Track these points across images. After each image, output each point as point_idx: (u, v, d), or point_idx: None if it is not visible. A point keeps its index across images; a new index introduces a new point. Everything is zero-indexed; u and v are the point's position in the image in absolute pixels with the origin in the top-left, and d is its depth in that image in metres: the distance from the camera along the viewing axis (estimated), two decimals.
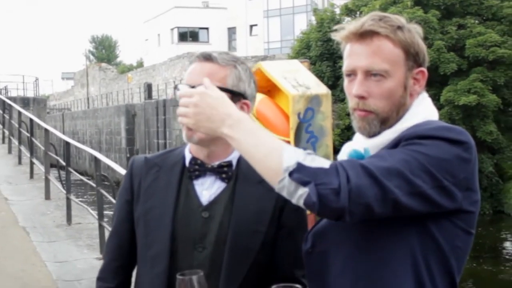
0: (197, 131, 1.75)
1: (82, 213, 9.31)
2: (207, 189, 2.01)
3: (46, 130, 11.31)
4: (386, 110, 1.78)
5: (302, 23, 43.50)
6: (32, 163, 12.26)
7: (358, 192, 1.53)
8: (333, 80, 26.53)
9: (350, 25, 1.81)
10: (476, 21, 26.74)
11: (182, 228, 1.98)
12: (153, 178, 2.06)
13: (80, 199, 11.68)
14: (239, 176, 2.01)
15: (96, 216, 7.72)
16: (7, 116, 17.05)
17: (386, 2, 26.38)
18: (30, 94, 32.48)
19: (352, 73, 1.81)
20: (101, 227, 7.35)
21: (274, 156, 1.57)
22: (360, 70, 1.78)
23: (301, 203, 1.55)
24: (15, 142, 15.08)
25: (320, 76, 25.53)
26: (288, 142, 4.53)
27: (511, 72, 25.16)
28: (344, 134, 23.45)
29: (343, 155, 1.93)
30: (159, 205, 2.01)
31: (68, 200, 8.97)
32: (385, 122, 1.79)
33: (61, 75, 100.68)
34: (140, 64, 67.36)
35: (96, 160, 7.83)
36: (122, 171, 5.54)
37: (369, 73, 1.77)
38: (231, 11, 55.28)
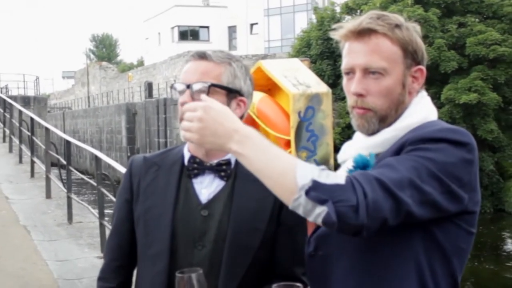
0: (202, 146, 1.68)
1: (83, 212, 9.31)
2: (206, 187, 2.01)
3: (47, 129, 11.31)
4: (385, 108, 1.79)
5: (302, 22, 43.46)
6: (33, 162, 12.26)
7: (375, 207, 1.51)
8: (334, 79, 26.51)
9: (348, 23, 1.82)
10: (477, 20, 26.71)
11: (182, 227, 1.98)
12: (152, 177, 2.06)
13: (81, 198, 11.66)
14: (238, 174, 2.01)
15: (97, 215, 7.72)
16: (7, 115, 17.06)
17: (387, 0, 26.35)
18: (30, 93, 32.50)
19: (350, 71, 1.81)
20: (102, 226, 7.35)
21: (288, 174, 1.53)
22: (359, 68, 1.78)
23: (319, 221, 1.52)
24: (15, 141, 15.08)
25: (320, 74, 25.51)
26: (289, 140, 4.53)
27: None
28: (345, 132, 23.43)
29: (343, 155, 1.94)
30: (158, 204, 2.02)
31: (69, 199, 8.97)
32: (384, 120, 1.80)
33: (62, 74, 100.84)
34: (140, 63, 67.35)
35: (97, 159, 7.83)
36: (123, 170, 5.54)
37: (367, 71, 1.78)
38: (231, 10, 55.26)
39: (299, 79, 4.65)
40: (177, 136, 29.33)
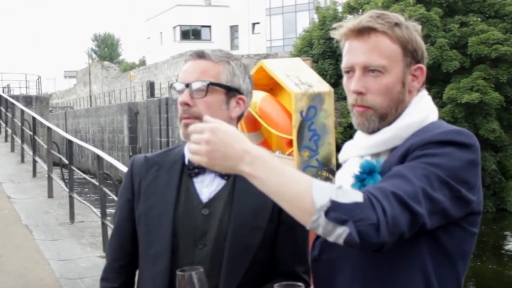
0: (212, 168, 1.62)
1: (85, 211, 9.31)
2: (207, 186, 2.02)
3: (49, 129, 11.32)
4: (384, 106, 1.79)
5: (304, 21, 43.45)
6: (35, 162, 12.26)
7: (394, 223, 1.51)
8: (336, 78, 26.49)
9: (348, 23, 1.82)
10: (479, 19, 26.69)
11: (183, 226, 1.99)
12: (153, 177, 2.07)
13: (83, 197, 11.66)
14: None
15: (99, 214, 7.72)
16: (9, 115, 17.08)
17: (389, 0, 26.35)
18: (32, 92, 32.51)
19: (350, 70, 1.82)
20: (104, 225, 7.36)
21: (305, 195, 1.50)
22: (358, 66, 1.79)
23: (340, 242, 1.50)
24: (17, 140, 15.09)
25: (322, 74, 25.51)
26: (291, 140, 4.53)
27: None
28: (347, 132, 23.43)
29: (344, 154, 1.94)
30: (159, 204, 2.02)
31: (71, 198, 8.97)
32: (384, 118, 1.80)
33: (64, 73, 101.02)
34: (142, 63, 67.35)
35: (99, 158, 7.83)
36: (125, 169, 5.54)
37: (367, 69, 1.78)
38: (233, 9, 55.27)
39: (301, 78, 4.65)
40: (179, 136, 29.23)
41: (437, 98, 24.59)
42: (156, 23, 59.39)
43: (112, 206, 8.08)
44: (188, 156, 1.60)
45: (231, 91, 2.00)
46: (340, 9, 30.94)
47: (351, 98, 1.82)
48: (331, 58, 28.31)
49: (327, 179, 4.45)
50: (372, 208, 1.49)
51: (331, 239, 1.51)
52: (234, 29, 56.06)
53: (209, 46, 45.43)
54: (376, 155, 1.82)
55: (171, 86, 2.02)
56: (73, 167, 9.60)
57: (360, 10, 28.19)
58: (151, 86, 37.05)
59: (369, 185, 1.68)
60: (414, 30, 1.82)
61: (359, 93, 1.79)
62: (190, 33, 55.70)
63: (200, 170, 2.02)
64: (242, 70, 2.04)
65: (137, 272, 2.17)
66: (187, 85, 1.96)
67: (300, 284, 1.52)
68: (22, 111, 14.39)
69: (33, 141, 12.46)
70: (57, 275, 6.40)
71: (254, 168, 1.54)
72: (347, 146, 1.94)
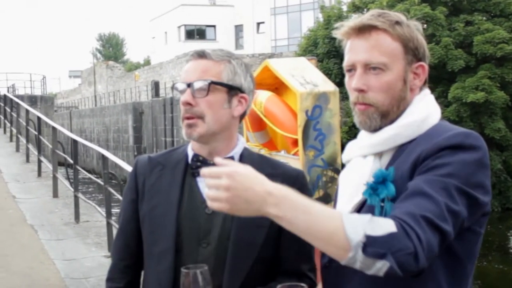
0: (234, 214, 1.56)
1: (90, 211, 9.33)
2: None
3: (54, 128, 11.34)
4: (386, 104, 1.79)
5: (309, 21, 43.43)
6: (40, 161, 12.29)
7: (429, 248, 1.51)
8: (341, 78, 26.43)
9: (349, 21, 1.84)
10: (484, 18, 26.61)
11: (187, 225, 2.00)
12: (157, 177, 2.08)
13: (88, 197, 11.67)
14: None
15: (104, 214, 7.73)
16: (14, 115, 17.12)
17: None
18: (37, 92, 32.59)
19: (352, 68, 1.83)
20: (109, 225, 7.36)
21: (337, 232, 1.47)
22: (359, 64, 1.80)
23: (380, 274, 1.49)
24: (23, 140, 15.13)
25: (327, 73, 25.50)
26: (296, 139, 4.52)
27: None
28: (352, 131, 23.39)
29: (347, 154, 1.95)
30: (163, 203, 2.03)
31: (76, 198, 8.99)
32: (386, 116, 1.80)
33: (68, 73, 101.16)
34: (147, 62, 67.43)
35: (104, 158, 7.84)
36: (130, 169, 5.53)
37: (368, 67, 1.79)
38: (238, 9, 55.26)
39: (306, 78, 4.65)
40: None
41: (442, 98, 24.54)
42: (160, 23, 59.43)
43: (117, 205, 8.09)
44: (208, 204, 1.53)
45: (232, 90, 2.01)
46: (345, 8, 30.90)
47: (352, 96, 1.83)
48: (336, 57, 28.26)
49: (332, 178, 4.45)
50: (407, 236, 1.48)
51: (370, 272, 1.49)
52: (239, 28, 56.06)
53: (214, 45, 45.39)
54: (379, 154, 1.82)
55: (173, 86, 2.04)
56: (78, 166, 9.61)
57: (365, 9, 28.13)
58: (156, 85, 37.10)
59: (382, 194, 1.68)
60: (415, 29, 1.83)
61: (361, 91, 1.80)
62: (195, 33, 55.71)
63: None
64: (243, 68, 2.05)
65: (142, 272, 2.17)
66: (189, 85, 1.97)
67: (303, 285, 1.50)
68: (27, 111, 14.42)
69: (38, 141, 12.49)
70: (62, 275, 6.40)
71: (280, 209, 1.49)
72: (350, 146, 1.94)
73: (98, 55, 78.21)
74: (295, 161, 4.35)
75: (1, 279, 6.13)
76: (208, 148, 2.03)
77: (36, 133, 12.80)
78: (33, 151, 13.42)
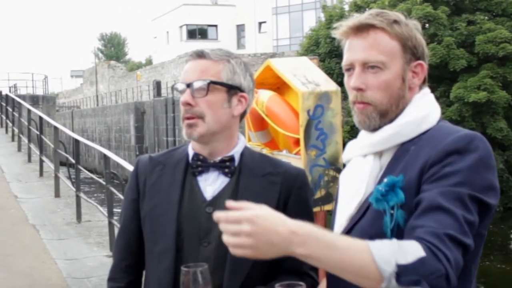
0: (258, 256, 1.51)
1: (91, 211, 9.33)
2: (211, 184, 2.03)
3: (56, 128, 11.34)
4: (384, 102, 1.79)
5: (311, 20, 43.40)
6: (41, 161, 12.30)
7: (457, 265, 1.52)
8: (342, 77, 25.28)
9: (348, 21, 1.84)
10: (486, 17, 26.60)
11: (187, 224, 2.00)
12: (157, 176, 2.08)
13: (90, 196, 11.68)
14: (243, 170, 2.04)
15: (106, 214, 7.73)
16: (16, 114, 17.13)
17: None
18: (39, 92, 32.63)
19: (350, 67, 1.84)
20: (110, 225, 7.36)
21: (368, 265, 1.47)
22: (357, 63, 1.80)
23: None
24: (24, 140, 15.14)
25: (329, 73, 25.48)
26: (298, 139, 4.51)
27: None
28: (354, 131, 23.36)
29: (347, 154, 1.95)
30: (164, 202, 2.03)
31: (78, 197, 8.99)
32: (385, 115, 1.80)
33: (70, 73, 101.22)
34: (149, 62, 67.46)
35: (106, 158, 7.84)
36: (132, 169, 5.55)
37: (366, 66, 1.79)
38: (239, 8, 55.28)
39: (308, 77, 4.64)
40: None
41: (444, 97, 24.54)
42: (162, 23, 59.45)
43: (119, 205, 8.10)
44: (231, 251, 1.50)
45: (232, 89, 2.02)
46: (346, 7, 30.90)
47: (351, 96, 1.84)
48: (338, 57, 28.24)
49: (334, 178, 4.44)
50: (436, 259, 1.49)
51: None
52: (240, 28, 56.08)
53: (216, 45, 45.43)
54: (379, 153, 1.82)
55: (172, 87, 2.06)
56: (80, 166, 9.62)
57: (367, 9, 28.12)
58: (157, 85, 37.09)
59: (391, 201, 1.68)
60: (414, 28, 1.83)
61: (359, 90, 1.80)
62: (197, 33, 55.74)
63: (203, 168, 2.04)
64: (242, 68, 2.06)
65: (144, 272, 2.17)
66: (188, 85, 1.98)
67: (301, 283, 1.50)
68: (29, 111, 14.43)
69: (40, 140, 12.49)
70: (64, 275, 6.41)
71: (306, 248, 1.47)
72: (350, 146, 1.94)
73: (100, 54, 78.27)
74: (297, 160, 4.34)
75: (3, 279, 6.13)
76: (209, 148, 2.03)
77: (38, 132, 12.81)
78: (35, 150, 13.42)
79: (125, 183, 6.46)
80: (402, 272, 1.46)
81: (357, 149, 1.89)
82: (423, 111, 1.79)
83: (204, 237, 1.98)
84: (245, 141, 2.13)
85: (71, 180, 10.47)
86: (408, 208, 1.65)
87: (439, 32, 24.64)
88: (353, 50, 1.82)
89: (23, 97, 23.29)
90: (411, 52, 1.81)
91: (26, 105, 15.67)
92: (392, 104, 1.80)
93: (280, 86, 4.98)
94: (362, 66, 1.79)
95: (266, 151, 4.73)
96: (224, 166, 2.03)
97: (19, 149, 15.47)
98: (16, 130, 16.74)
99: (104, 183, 8.00)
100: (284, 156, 4.52)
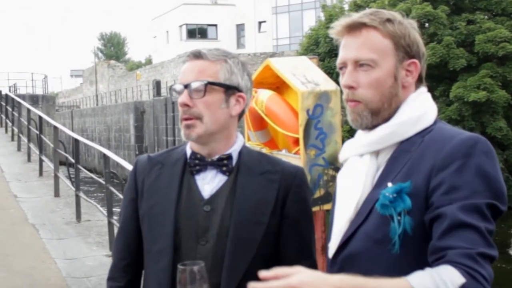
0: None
1: (91, 210, 9.33)
2: (209, 183, 2.03)
3: (55, 128, 11.34)
4: (375, 100, 1.80)
5: (310, 20, 43.42)
6: (41, 161, 12.30)
7: (491, 279, 1.54)
8: None
9: (342, 20, 1.85)
10: (486, 17, 26.59)
11: (185, 223, 2.00)
12: (156, 175, 2.09)
13: (89, 196, 11.68)
14: (241, 168, 2.04)
15: (105, 213, 7.73)
16: (16, 114, 17.13)
17: None
18: (39, 91, 32.65)
19: (343, 66, 1.85)
20: (110, 224, 7.36)
21: None
22: (349, 61, 1.82)
23: None
24: (24, 139, 15.14)
25: (329, 72, 25.44)
26: (297, 138, 4.51)
27: None
28: (353, 130, 22.79)
29: (344, 153, 1.95)
30: (162, 201, 2.04)
31: (77, 197, 8.99)
32: (377, 114, 1.81)
33: (70, 72, 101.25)
34: (148, 61, 67.46)
35: (105, 157, 7.84)
36: (131, 168, 5.55)
37: (357, 64, 1.81)
38: (239, 8, 55.28)
39: (307, 77, 4.64)
40: None
41: (444, 97, 24.54)
42: (162, 22, 59.45)
43: (119, 205, 8.08)
44: None
45: (230, 89, 2.02)
46: (346, 7, 30.90)
47: (344, 94, 1.85)
48: (337, 56, 28.19)
49: (333, 177, 4.44)
50: (476, 282, 1.50)
51: None
52: (240, 27, 56.08)
53: (216, 44, 45.33)
54: (376, 152, 1.83)
55: (170, 88, 2.05)
56: (80, 166, 9.62)
57: (367, 8, 28.11)
58: (157, 85, 37.10)
59: (399, 207, 1.67)
60: (410, 27, 1.83)
61: (350, 87, 1.81)
62: (196, 32, 55.73)
63: (201, 167, 2.04)
64: (240, 67, 2.06)
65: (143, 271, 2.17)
66: (186, 86, 1.98)
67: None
68: (29, 110, 14.43)
69: (39, 140, 12.49)
70: (64, 274, 6.41)
71: None
72: (347, 145, 1.95)
73: (100, 54, 78.27)
74: (296, 160, 4.34)
75: (3, 279, 6.13)
76: (207, 148, 2.04)
77: (38, 132, 12.81)
78: (35, 150, 13.42)
79: (124, 182, 6.47)
80: None
81: (353, 149, 1.90)
82: (418, 110, 1.79)
83: (202, 236, 1.98)
84: (243, 140, 2.13)
85: (70, 180, 10.46)
86: (415, 214, 1.65)
87: (439, 32, 24.63)
88: (346, 49, 1.84)
89: (22, 96, 23.30)
90: (404, 50, 1.81)
91: (26, 104, 15.68)
92: (384, 102, 1.80)
93: (279, 86, 4.97)
94: (354, 65, 1.81)
95: (265, 150, 4.72)
96: (222, 164, 2.03)
97: (19, 149, 15.47)
98: (15, 130, 16.74)
99: (103, 182, 8.00)
100: (284, 156, 4.51)
